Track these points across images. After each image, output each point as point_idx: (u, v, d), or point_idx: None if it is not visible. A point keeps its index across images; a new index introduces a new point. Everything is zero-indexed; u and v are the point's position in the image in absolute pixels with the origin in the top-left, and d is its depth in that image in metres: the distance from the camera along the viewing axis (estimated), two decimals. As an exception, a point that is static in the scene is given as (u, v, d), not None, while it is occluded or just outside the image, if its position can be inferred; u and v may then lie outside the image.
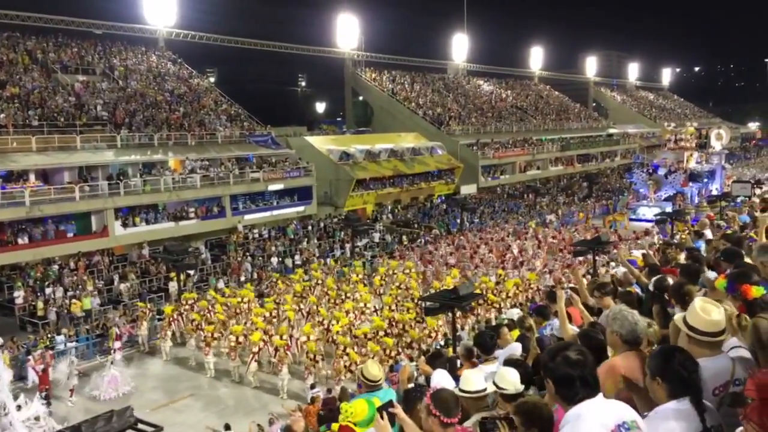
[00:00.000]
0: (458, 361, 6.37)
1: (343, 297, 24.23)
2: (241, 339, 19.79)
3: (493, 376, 4.08)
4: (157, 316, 23.71)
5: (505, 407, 3.78)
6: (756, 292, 3.70)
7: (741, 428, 2.23)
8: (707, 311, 3.27)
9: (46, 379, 18.15)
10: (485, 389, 3.91)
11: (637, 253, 12.51)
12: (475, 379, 3.98)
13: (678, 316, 3.60)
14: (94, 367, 20.45)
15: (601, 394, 2.67)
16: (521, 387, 4.06)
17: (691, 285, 5.20)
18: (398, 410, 3.50)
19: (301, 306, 23.54)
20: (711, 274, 6.54)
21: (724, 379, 3.12)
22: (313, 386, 16.75)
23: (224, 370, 20.25)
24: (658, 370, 2.81)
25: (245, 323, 21.58)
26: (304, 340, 19.31)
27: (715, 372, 2.91)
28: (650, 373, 2.85)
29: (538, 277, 25.85)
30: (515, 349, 5.99)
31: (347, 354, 18.31)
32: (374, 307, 22.94)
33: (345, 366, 18.01)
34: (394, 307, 22.48)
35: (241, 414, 16.98)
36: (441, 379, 4.39)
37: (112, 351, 21.09)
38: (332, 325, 20.58)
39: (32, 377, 18.53)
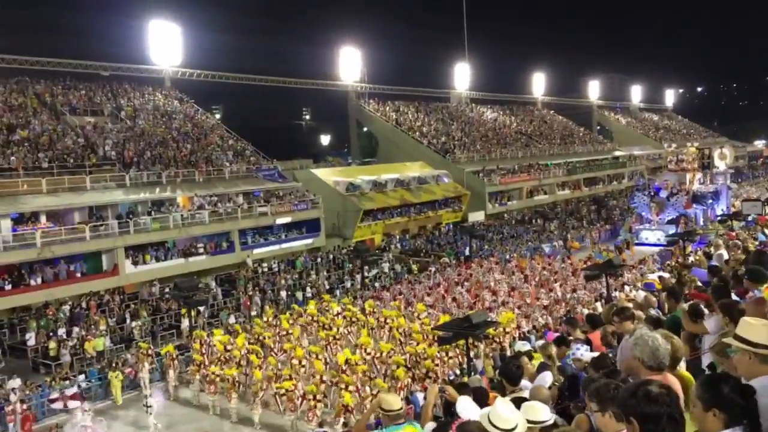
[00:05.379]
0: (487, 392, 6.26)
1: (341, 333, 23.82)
2: (239, 378, 19.66)
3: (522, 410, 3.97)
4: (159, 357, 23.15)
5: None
6: None
7: None
8: (766, 324, 3.16)
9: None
10: (516, 426, 3.77)
11: (654, 276, 12.40)
12: (509, 415, 3.85)
13: (730, 339, 3.38)
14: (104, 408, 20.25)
15: None
16: (551, 417, 3.99)
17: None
18: None
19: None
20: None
21: None
22: (320, 424, 16.37)
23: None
24: (714, 401, 2.65)
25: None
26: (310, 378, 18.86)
27: None
28: (703, 404, 2.68)
29: (515, 318, 23.59)
30: (546, 378, 5.88)
31: (349, 390, 17.58)
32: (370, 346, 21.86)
33: (343, 405, 17.16)
34: (402, 339, 22.23)
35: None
36: (466, 407, 4.28)
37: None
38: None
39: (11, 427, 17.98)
